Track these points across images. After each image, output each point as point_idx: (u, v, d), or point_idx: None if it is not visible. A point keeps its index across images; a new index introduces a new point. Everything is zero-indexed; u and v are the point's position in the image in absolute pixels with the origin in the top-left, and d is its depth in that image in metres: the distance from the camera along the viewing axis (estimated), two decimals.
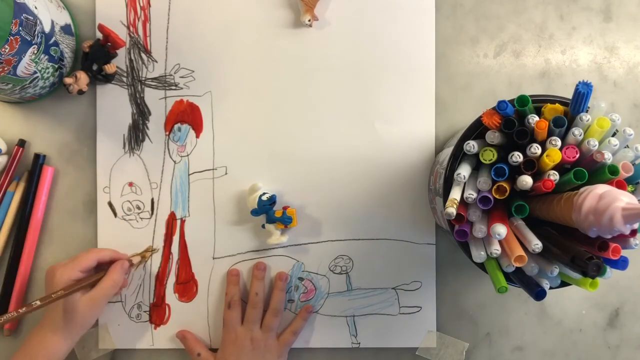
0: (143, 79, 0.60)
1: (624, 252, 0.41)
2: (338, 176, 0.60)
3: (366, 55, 0.60)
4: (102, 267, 0.56)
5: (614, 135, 0.43)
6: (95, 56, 0.57)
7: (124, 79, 0.60)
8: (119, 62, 0.60)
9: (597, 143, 0.40)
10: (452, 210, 0.41)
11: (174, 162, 0.60)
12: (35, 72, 0.52)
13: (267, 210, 0.57)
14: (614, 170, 0.40)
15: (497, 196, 0.42)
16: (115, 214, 0.60)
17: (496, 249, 0.43)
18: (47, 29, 0.51)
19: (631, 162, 0.41)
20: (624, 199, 0.35)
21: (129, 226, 0.60)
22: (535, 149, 0.41)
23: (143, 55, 0.60)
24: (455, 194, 0.43)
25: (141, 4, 0.60)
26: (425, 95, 0.60)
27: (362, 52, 0.60)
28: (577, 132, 0.41)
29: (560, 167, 0.42)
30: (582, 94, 0.40)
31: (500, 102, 0.42)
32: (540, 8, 0.61)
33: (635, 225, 0.38)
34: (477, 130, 0.46)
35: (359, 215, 0.60)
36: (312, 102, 0.60)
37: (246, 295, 0.60)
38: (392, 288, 0.60)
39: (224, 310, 0.59)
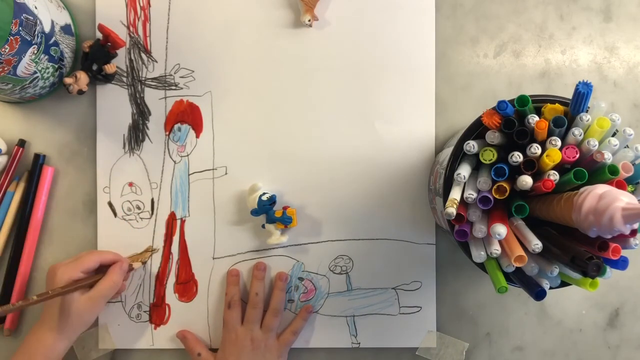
0: (143, 79, 0.60)
1: (624, 252, 0.41)
2: (338, 176, 0.60)
3: (366, 55, 0.60)
4: (103, 269, 0.56)
5: (614, 135, 0.43)
6: (95, 56, 0.57)
7: (124, 79, 0.60)
8: (119, 62, 0.60)
9: (597, 143, 0.40)
10: (452, 210, 0.41)
11: (174, 162, 0.60)
12: (35, 72, 0.52)
13: (267, 210, 0.57)
14: (614, 170, 0.40)
15: (497, 196, 0.42)
16: (115, 214, 0.60)
17: (496, 249, 0.43)
18: (47, 29, 0.51)
19: (631, 162, 0.41)
20: (624, 199, 0.35)
21: (129, 226, 0.60)
22: (535, 149, 0.41)
23: (143, 55, 0.60)
24: (455, 194, 0.43)
25: (141, 4, 0.60)
26: (425, 95, 0.60)
27: (362, 52, 0.60)
28: (577, 132, 0.41)
29: (560, 167, 0.42)
30: (582, 94, 0.40)
31: (500, 102, 0.42)
32: (540, 8, 0.61)
33: (635, 225, 0.38)
34: (477, 130, 0.46)
35: (359, 215, 0.60)
36: (312, 102, 0.60)
37: (246, 295, 0.60)
38: (392, 288, 0.60)
39: (224, 310, 0.59)
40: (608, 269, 0.41)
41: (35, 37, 0.49)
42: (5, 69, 0.47)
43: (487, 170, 0.43)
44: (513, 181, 0.42)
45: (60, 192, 0.60)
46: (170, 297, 0.60)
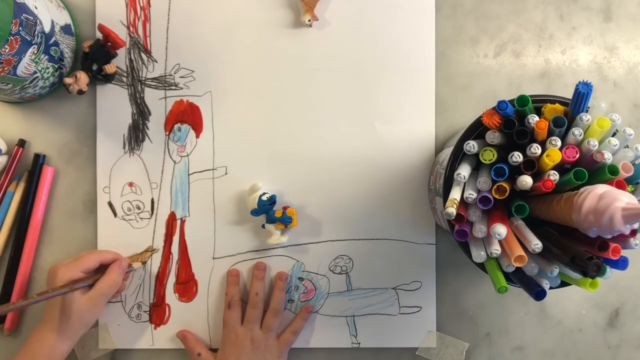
0: (143, 79, 0.60)
1: (624, 252, 0.41)
2: (338, 176, 0.60)
3: (366, 55, 0.60)
4: (103, 269, 0.56)
5: (614, 135, 0.43)
6: (95, 56, 0.57)
7: (124, 79, 0.60)
8: (119, 62, 0.60)
9: (597, 143, 0.40)
10: (452, 210, 0.41)
11: (174, 162, 0.60)
12: (35, 72, 0.52)
13: (267, 210, 0.57)
14: (614, 170, 0.40)
15: (497, 196, 0.42)
16: (115, 214, 0.60)
17: (496, 249, 0.43)
18: (47, 29, 0.51)
19: (631, 162, 0.41)
20: (624, 199, 0.35)
21: (129, 226, 0.60)
22: (535, 149, 0.41)
23: (143, 55, 0.60)
24: (455, 194, 0.43)
25: (141, 4, 0.60)
26: (425, 95, 0.60)
27: (362, 52, 0.60)
28: (577, 132, 0.41)
29: (560, 167, 0.42)
30: (582, 94, 0.40)
31: (500, 102, 0.42)
32: (540, 8, 0.61)
33: (635, 225, 0.38)
34: (477, 130, 0.46)
35: (359, 215, 0.60)
36: (312, 102, 0.60)
37: (246, 295, 0.60)
38: (392, 288, 0.60)
39: (224, 310, 0.59)
40: (608, 269, 0.41)
41: (35, 37, 0.49)
42: (5, 69, 0.47)
43: (487, 170, 0.43)
44: (513, 181, 0.42)
45: (60, 192, 0.60)
46: (170, 297, 0.60)
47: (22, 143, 0.59)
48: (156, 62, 0.60)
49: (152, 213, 0.60)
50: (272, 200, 0.57)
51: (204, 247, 0.60)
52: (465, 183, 0.44)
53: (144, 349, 0.61)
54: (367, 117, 0.60)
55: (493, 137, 0.43)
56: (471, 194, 0.42)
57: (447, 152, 0.49)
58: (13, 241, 0.59)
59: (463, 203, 0.44)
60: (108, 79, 0.59)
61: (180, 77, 0.60)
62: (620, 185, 0.40)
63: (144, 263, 0.60)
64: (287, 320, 0.60)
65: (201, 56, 0.60)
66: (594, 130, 0.41)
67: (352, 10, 0.60)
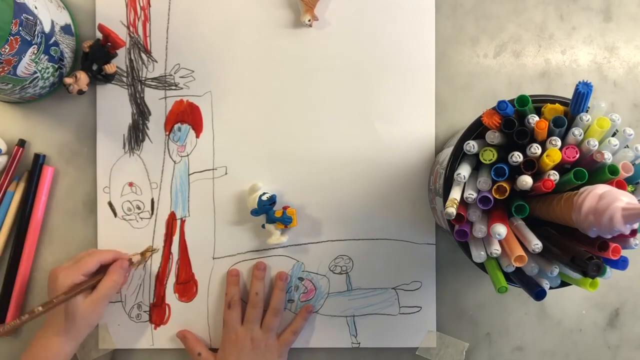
0: (143, 79, 0.60)
1: (624, 252, 0.41)
2: (338, 176, 0.60)
3: (366, 55, 0.60)
4: (103, 269, 0.56)
5: (614, 135, 0.43)
6: (95, 56, 0.57)
7: (124, 79, 0.60)
8: (119, 62, 0.60)
9: (597, 143, 0.40)
10: (452, 210, 0.41)
11: (174, 162, 0.60)
12: (35, 72, 0.52)
13: (267, 210, 0.57)
14: (614, 170, 0.40)
15: (497, 196, 0.42)
16: (115, 214, 0.60)
17: (496, 249, 0.43)
18: (47, 29, 0.51)
19: (631, 162, 0.41)
20: (624, 199, 0.35)
21: (129, 226, 0.60)
22: (535, 149, 0.41)
23: (143, 55, 0.60)
24: (455, 194, 0.43)
25: (141, 4, 0.60)
26: (425, 95, 0.60)
27: (362, 52, 0.60)
28: (577, 132, 0.41)
29: (560, 167, 0.42)
30: (582, 94, 0.40)
31: (500, 102, 0.42)
32: (540, 8, 0.61)
33: (635, 225, 0.38)
34: (477, 130, 0.46)
35: (359, 215, 0.60)
36: (312, 102, 0.60)
37: (246, 295, 0.60)
38: (392, 288, 0.60)
39: (224, 310, 0.59)
40: (608, 269, 0.41)
41: (35, 37, 0.49)
42: (5, 69, 0.47)
43: (487, 170, 0.43)
44: (513, 181, 0.42)
45: (60, 192, 0.60)
46: (170, 297, 0.60)
47: (22, 143, 0.59)
48: (156, 62, 0.60)
49: (152, 213, 0.60)
50: (272, 200, 0.57)
51: (204, 247, 0.60)
52: (465, 183, 0.44)
53: (144, 349, 0.61)
54: (367, 117, 0.60)
55: (493, 137, 0.43)
56: (471, 194, 0.42)
57: (447, 152, 0.49)
58: (13, 241, 0.59)
59: (463, 203, 0.44)
60: (108, 79, 0.59)
61: (180, 77, 0.60)
62: (620, 185, 0.40)
63: (143, 255, 0.60)
64: (287, 320, 0.60)
65: (201, 56, 0.60)
66: (594, 130, 0.41)
67: (352, 10, 0.60)
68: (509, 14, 0.61)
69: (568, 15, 0.61)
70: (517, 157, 0.41)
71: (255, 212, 0.57)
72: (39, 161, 0.59)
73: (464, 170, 0.43)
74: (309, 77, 0.60)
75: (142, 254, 0.60)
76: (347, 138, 0.60)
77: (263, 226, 0.59)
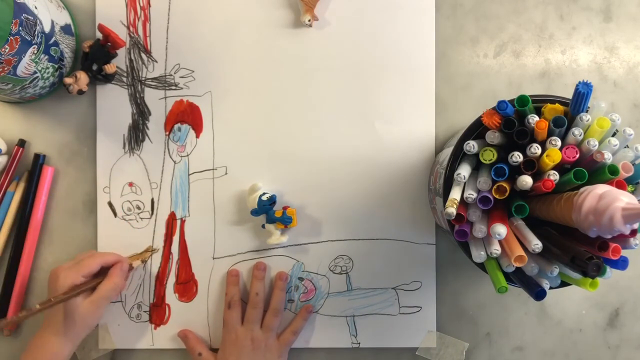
0: (143, 79, 0.60)
1: (624, 252, 0.41)
2: (338, 176, 0.60)
3: (366, 55, 0.60)
4: (104, 271, 0.56)
5: (614, 135, 0.43)
6: (95, 56, 0.57)
7: (124, 79, 0.60)
8: (119, 62, 0.60)
9: (597, 143, 0.40)
10: (452, 210, 0.41)
11: (174, 162, 0.60)
12: (35, 72, 0.52)
13: (267, 210, 0.57)
14: (614, 170, 0.40)
15: (497, 196, 0.42)
16: (115, 214, 0.60)
17: (496, 249, 0.43)
18: (47, 29, 0.51)
19: (631, 162, 0.41)
20: (624, 199, 0.35)
21: (129, 226, 0.60)
22: (535, 149, 0.41)
23: (143, 55, 0.60)
24: (455, 194, 0.43)
25: (141, 4, 0.60)
26: (425, 95, 0.60)
27: (362, 52, 0.60)
28: (577, 132, 0.41)
29: (560, 167, 0.42)
30: (582, 94, 0.40)
31: (500, 102, 0.42)
32: (540, 8, 0.61)
33: (635, 225, 0.38)
34: (477, 130, 0.46)
35: (359, 215, 0.60)
36: (312, 102, 0.60)
37: (246, 295, 0.60)
38: (392, 288, 0.60)
39: (224, 310, 0.59)
40: (608, 269, 0.41)
41: (35, 37, 0.49)
42: (5, 69, 0.47)
43: (487, 170, 0.43)
44: (513, 181, 0.42)
45: (60, 192, 0.60)
46: (170, 297, 0.60)
47: (22, 143, 0.59)
48: (156, 62, 0.60)
49: (152, 213, 0.60)
50: (272, 200, 0.57)
51: (204, 247, 0.60)
52: (465, 183, 0.44)
53: (144, 349, 0.61)
54: (367, 117, 0.60)
55: (493, 137, 0.43)
56: (471, 194, 0.42)
57: (447, 152, 0.49)
58: (13, 241, 0.59)
59: (463, 203, 0.44)
60: (108, 79, 0.59)
61: (180, 77, 0.60)
62: (620, 185, 0.40)
63: (144, 262, 0.60)
64: (287, 320, 0.60)
65: (201, 56, 0.60)
66: (594, 130, 0.41)
67: (352, 10, 0.60)
68: (509, 14, 0.61)
69: (568, 15, 0.61)
70: (517, 157, 0.41)
71: (255, 212, 0.57)
72: (39, 161, 0.59)
73: (464, 170, 0.43)
74: (309, 77, 0.60)
75: (142, 258, 0.59)
76: (347, 138, 0.60)
77: (263, 226, 0.59)
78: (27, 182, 0.59)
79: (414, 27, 0.60)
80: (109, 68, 0.57)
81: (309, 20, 0.58)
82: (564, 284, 0.45)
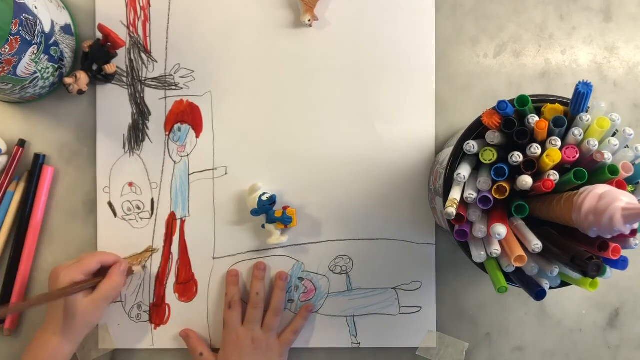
0: (143, 79, 0.60)
1: (624, 252, 0.41)
2: (338, 176, 0.60)
3: (366, 55, 0.60)
4: (103, 271, 0.56)
5: (614, 135, 0.43)
6: (95, 56, 0.57)
7: (124, 79, 0.60)
8: (119, 62, 0.60)
9: (597, 143, 0.40)
10: (452, 210, 0.41)
11: (174, 162, 0.60)
12: (35, 72, 0.52)
13: (267, 210, 0.57)
14: (614, 170, 0.40)
15: (497, 196, 0.42)
16: (115, 214, 0.60)
17: (496, 249, 0.43)
18: (47, 29, 0.51)
19: (631, 162, 0.41)
20: (624, 199, 0.35)
21: (129, 226, 0.60)
22: (535, 149, 0.41)
23: (143, 55, 0.60)
24: (455, 194, 0.43)
25: (141, 4, 0.60)
26: (425, 95, 0.60)
27: (362, 52, 0.60)
28: (577, 132, 0.41)
29: (560, 167, 0.42)
30: (582, 94, 0.40)
31: (500, 102, 0.42)
32: (540, 8, 0.61)
33: (635, 225, 0.38)
34: (477, 130, 0.46)
35: (359, 215, 0.60)
36: (312, 102, 0.60)
37: (246, 295, 0.60)
38: (392, 288, 0.60)
39: (224, 310, 0.59)
40: (608, 269, 0.41)
41: (35, 37, 0.49)
42: (5, 69, 0.47)
43: (487, 170, 0.43)
44: (513, 181, 0.42)
45: (60, 192, 0.60)
46: (170, 297, 0.60)
47: (22, 143, 0.59)
48: (156, 62, 0.60)
49: (152, 213, 0.60)
50: (272, 200, 0.57)
51: (204, 247, 0.60)
52: (465, 183, 0.44)
53: (144, 349, 0.61)
54: (367, 117, 0.60)
55: (493, 137, 0.43)
56: (471, 194, 0.42)
57: (447, 152, 0.49)
58: (13, 241, 0.59)
59: (463, 203, 0.44)
60: (108, 79, 0.59)
61: (180, 77, 0.60)
62: (620, 185, 0.40)
63: (144, 267, 0.60)
64: (287, 320, 0.60)
65: (201, 56, 0.60)
66: (594, 130, 0.41)
67: (352, 10, 0.60)
68: (509, 14, 0.61)
69: (568, 15, 0.61)
70: (517, 157, 0.41)
71: (255, 212, 0.57)
72: (39, 161, 0.59)
73: (464, 170, 0.43)
74: (309, 77, 0.60)
75: (143, 265, 0.59)
76: (347, 138, 0.60)
77: (263, 226, 0.59)
78: (27, 182, 0.59)
79: (414, 27, 0.60)
80: (109, 68, 0.57)
81: (309, 20, 0.58)
82: (564, 284, 0.45)
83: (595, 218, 0.35)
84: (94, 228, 0.60)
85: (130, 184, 0.60)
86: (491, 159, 0.43)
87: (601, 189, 0.36)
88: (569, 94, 0.43)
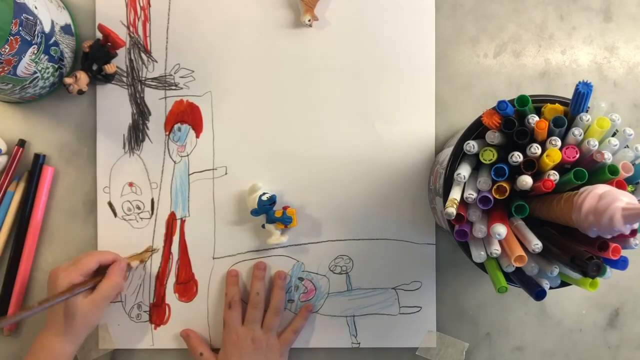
0: (143, 79, 0.60)
1: (624, 252, 0.41)
2: (338, 176, 0.60)
3: (366, 55, 0.60)
4: (102, 271, 0.56)
5: (614, 135, 0.43)
6: (95, 56, 0.57)
7: (124, 79, 0.60)
8: (119, 62, 0.60)
9: (597, 143, 0.40)
10: (452, 210, 0.41)
11: (174, 162, 0.60)
12: (35, 72, 0.52)
13: (267, 210, 0.57)
14: (614, 170, 0.40)
15: (497, 196, 0.42)
16: (115, 214, 0.60)
17: (496, 249, 0.43)
18: (47, 29, 0.51)
19: (631, 162, 0.41)
20: (624, 199, 0.35)
21: (129, 226, 0.60)
22: (535, 149, 0.41)
23: (143, 55, 0.60)
24: (455, 194, 0.43)
25: (141, 4, 0.60)
26: (425, 95, 0.60)
27: (362, 52, 0.60)
28: (577, 132, 0.41)
29: (560, 167, 0.42)
30: (582, 94, 0.40)
31: (500, 102, 0.42)
32: (540, 8, 0.61)
33: (635, 225, 0.38)
34: (477, 130, 0.46)
35: (359, 215, 0.60)
36: (312, 102, 0.60)
37: (246, 295, 0.60)
38: (392, 288, 0.60)
39: (224, 310, 0.59)
40: (608, 269, 0.41)
41: (35, 37, 0.49)
42: (5, 69, 0.47)
43: (487, 170, 0.43)
44: (513, 181, 0.42)
45: (60, 192, 0.60)
46: (170, 297, 0.60)
47: (22, 143, 0.59)
48: (156, 62, 0.60)
49: (152, 213, 0.60)
50: (272, 200, 0.57)
51: (204, 247, 0.60)
52: (465, 183, 0.44)
53: (144, 349, 0.60)
54: (367, 117, 0.60)
55: (493, 137, 0.43)
56: (471, 194, 0.42)
57: (447, 152, 0.49)
58: (13, 241, 0.59)
59: (463, 203, 0.44)
60: (108, 79, 0.59)
61: (180, 77, 0.60)
62: (620, 185, 0.40)
63: (142, 262, 0.60)
64: (287, 320, 0.60)
65: (201, 56, 0.60)
66: (594, 130, 0.41)
67: (352, 10, 0.60)
68: (509, 14, 0.61)
69: (568, 15, 0.61)
70: (517, 157, 0.41)
71: (255, 212, 0.57)
72: (39, 161, 0.59)
73: (464, 170, 0.43)
74: (309, 77, 0.60)
75: (141, 258, 0.59)
76: (347, 138, 0.60)
77: (263, 226, 0.59)
78: (27, 182, 0.59)
79: (414, 27, 0.60)
80: (109, 68, 0.57)
81: (309, 20, 0.58)
82: (564, 284, 0.45)
83: (595, 218, 0.35)
84: (94, 228, 0.60)
85: (130, 184, 0.60)
86: (491, 159, 0.43)
87: (601, 189, 0.36)
88: (569, 94, 0.43)
